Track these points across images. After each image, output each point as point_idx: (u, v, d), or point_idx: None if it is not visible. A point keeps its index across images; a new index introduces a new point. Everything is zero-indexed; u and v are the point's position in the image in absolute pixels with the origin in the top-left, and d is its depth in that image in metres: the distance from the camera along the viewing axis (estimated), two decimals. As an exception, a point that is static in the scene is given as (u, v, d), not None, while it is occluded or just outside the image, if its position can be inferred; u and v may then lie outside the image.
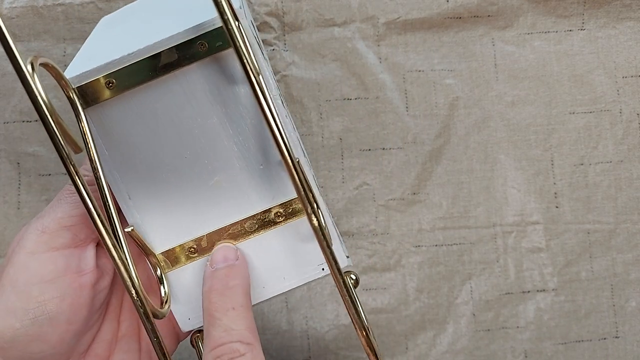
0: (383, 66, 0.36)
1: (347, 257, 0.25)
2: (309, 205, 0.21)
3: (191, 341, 0.25)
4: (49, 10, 0.35)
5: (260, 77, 0.20)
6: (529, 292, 0.36)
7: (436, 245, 0.36)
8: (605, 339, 0.35)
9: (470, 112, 0.36)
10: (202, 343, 0.25)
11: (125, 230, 0.23)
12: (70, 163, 0.19)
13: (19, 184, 0.35)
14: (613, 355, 0.35)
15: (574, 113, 0.36)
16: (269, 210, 0.24)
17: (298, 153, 0.23)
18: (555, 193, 0.36)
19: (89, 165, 0.22)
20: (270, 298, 0.25)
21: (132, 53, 0.22)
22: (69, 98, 0.22)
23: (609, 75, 0.36)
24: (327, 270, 0.24)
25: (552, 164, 0.36)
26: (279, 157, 0.21)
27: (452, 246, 0.36)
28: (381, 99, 0.36)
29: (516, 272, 0.36)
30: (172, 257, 0.25)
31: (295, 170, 0.21)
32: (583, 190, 0.36)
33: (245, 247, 0.25)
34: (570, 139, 0.36)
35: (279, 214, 0.24)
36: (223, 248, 0.24)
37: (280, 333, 0.35)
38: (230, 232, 0.25)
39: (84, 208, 0.20)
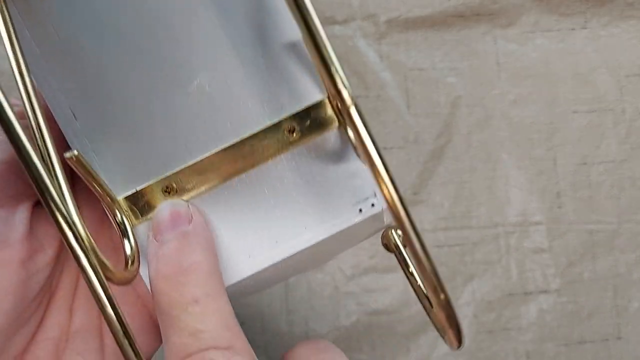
0: (384, 64, 0.36)
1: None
2: (345, 92, 0.13)
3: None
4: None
5: None
6: (531, 293, 0.35)
7: (438, 246, 0.35)
8: (607, 340, 0.35)
9: (472, 111, 0.36)
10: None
11: (66, 156, 0.15)
12: None
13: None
14: (615, 357, 0.35)
15: (576, 112, 0.36)
16: (277, 125, 0.17)
17: None
18: (558, 193, 0.36)
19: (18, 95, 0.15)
20: (285, 259, 0.18)
21: None
22: None
23: (612, 74, 0.36)
24: (377, 208, 0.17)
25: (555, 164, 0.36)
26: (287, 32, 0.14)
27: (453, 247, 0.35)
28: (382, 98, 0.36)
29: (518, 273, 0.35)
30: (141, 203, 0.17)
31: (318, 34, 0.13)
32: (586, 189, 0.36)
33: (243, 183, 0.17)
34: (573, 138, 0.36)
35: (292, 129, 0.17)
36: (168, 207, 0.17)
37: (279, 334, 0.35)
38: (221, 160, 0.17)
39: (11, 148, 0.13)
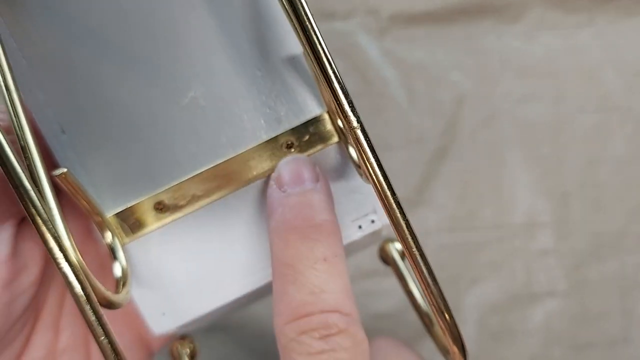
0: (386, 61, 0.35)
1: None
2: (352, 114, 0.13)
3: (171, 351, 0.19)
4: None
5: None
6: (537, 295, 0.35)
7: (441, 248, 0.35)
8: (615, 343, 0.35)
9: (476, 110, 0.36)
10: (186, 351, 0.18)
11: (54, 174, 0.15)
12: None
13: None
14: (623, 360, 0.35)
15: (583, 111, 0.36)
16: (274, 140, 0.17)
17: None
18: (564, 193, 0.35)
19: (3, 106, 0.15)
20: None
21: None
22: None
23: (618, 72, 0.36)
24: (377, 224, 0.17)
25: (561, 163, 0.35)
26: (286, 44, 0.14)
27: (457, 248, 0.35)
28: (384, 96, 0.35)
29: (524, 275, 0.35)
30: (131, 220, 0.17)
31: (322, 48, 0.13)
32: (592, 190, 0.35)
33: (239, 199, 0.17)
34: (580, 137, 0.36)
35: (290, 144, 0.17)
36: (295, 162, 0.16)
37: (279, 339, 0.35)
38: (216, 177, 0.17)
39: None
